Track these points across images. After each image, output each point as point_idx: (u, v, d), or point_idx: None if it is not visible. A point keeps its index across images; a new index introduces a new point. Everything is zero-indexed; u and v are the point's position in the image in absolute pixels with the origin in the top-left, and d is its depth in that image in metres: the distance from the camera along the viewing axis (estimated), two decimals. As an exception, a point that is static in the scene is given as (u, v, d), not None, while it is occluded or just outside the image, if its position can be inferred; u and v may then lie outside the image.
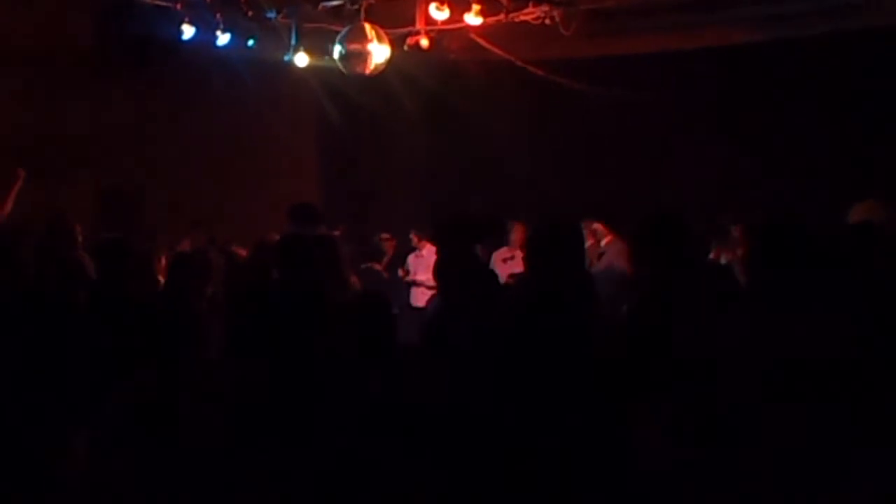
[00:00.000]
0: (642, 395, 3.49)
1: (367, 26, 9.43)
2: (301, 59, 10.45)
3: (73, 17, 10.14)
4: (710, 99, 10.31)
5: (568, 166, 11.34)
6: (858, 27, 8.75)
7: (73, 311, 4.74)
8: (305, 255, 5.30)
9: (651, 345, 3.68)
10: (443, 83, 11.34)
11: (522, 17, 9.52)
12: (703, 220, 8.38)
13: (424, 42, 9.99)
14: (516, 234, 9.44)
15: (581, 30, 9.61)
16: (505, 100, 11.07)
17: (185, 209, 10.46)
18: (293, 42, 10.38)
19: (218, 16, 10.06)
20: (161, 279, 6.89)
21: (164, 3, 9.70)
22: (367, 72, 9.58)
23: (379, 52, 9.47)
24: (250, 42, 10.43)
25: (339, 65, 9.65)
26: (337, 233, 10.21)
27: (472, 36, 10.07)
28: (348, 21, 9.65)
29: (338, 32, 9.67)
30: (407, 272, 10.88)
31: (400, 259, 11.20)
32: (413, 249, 10.94)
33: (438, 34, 10.10)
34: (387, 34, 9.60)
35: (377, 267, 11.52)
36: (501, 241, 9.65)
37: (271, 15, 10.05)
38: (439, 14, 9.35)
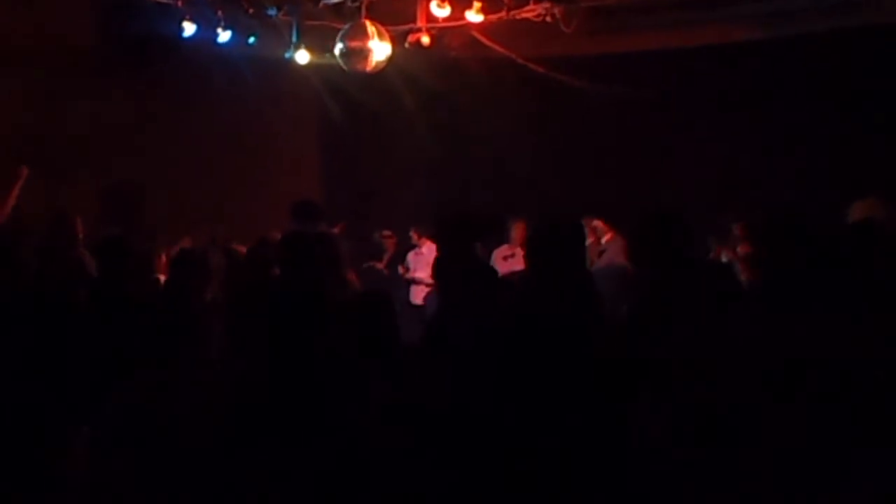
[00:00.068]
0: (642, 395, 3.49)
1: (368, 24, 9.43)
2: (302, 57, 10.45)
3: (73, 17, 10.13)
4: (710, 96, 10.29)
5: (569, 163, 11.34)
6: (860, 25, 8.74)
7: (74, 311, 4.74)
8: (307, 252, 5.29)
9: (651, 344, 3.68)
10: (444, 80, 11.32)
11: (523, 15, 9.51)
12: (703, 218, 8.40)
13: (425, 39, 9.98)
14: (517, 231, 9.45)
15: (582, 27, 9.60)
16: (506, 97, 11.06)
17: (186, 207, 10.46)
18: (294, 39, 10.38)
19: (219, 13, 10.06)
20: (161, 277, 6.89)
21: (164, 1, 9.69)
22: (368, 69, 9.58)
23: (380, 50, 9.47)
24: (251, 39, 10.43)
25: (340, 62, 9.65)
26: (337, 230, 10.22)
27: (474, 33, 10.06)
28: (349, 18, 9.66)
29: (339, 30, 9.67)
30: (407, 269, 10.89)
31: (400, 257, 11.21)
32: (413, 247, 10.94)
33: (439, 31, 10.09)
34: (388, 31, 9.60)
35: (379, 266, 11.51)
36: (502, 238, 9.65)
37: (272, 12, 10.04)
38: (440, 11, 9.35)
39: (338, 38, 9.54)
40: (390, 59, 9.64)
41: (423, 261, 10.14)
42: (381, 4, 9.58)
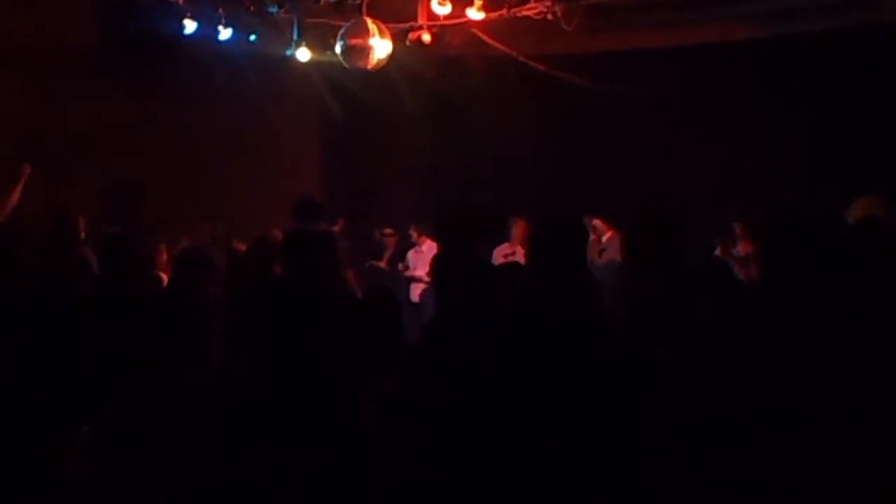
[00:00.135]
0: (642, 394, 3.49)
1: (369, 21, 9.43)
2: (303, 54, 10.45)
3: (73, 16, 10.13)
4: (711, 95, 10.29)
5: (569, 161, 11.32)
6: (860, 24, 8.73)
7: (74, 311, 4.74)
8: (309, 251, 5.30)
9: (651, 344, 3.68)
10: (445, 78, 11.31)
11: (524, 12, 9.50)
12: (703, 218, 8.40)
13: (426, 37, 9.97)
14: (517, 230, 9.44)
15: (583, 25, 9.59)
16: (507, 95, 11.06)
17: (186, 206, 10.46)
18: (295, 37, 10.37)
19: (220, 11, 10.06)
20: (162, 275, 6.90)
21: (165, -1, 9.71)
22: (369, 67, 9.58)
23: (381, 47, 9.46)
24: (252, 37, 10.43)
25: (341, 60, 9.64)
26: (336, 228, 10.22)
27: (474, 31, 10.04)
28: (350, 16, 9.65)
29: (340, 27, 9.66)
30: (406, 267, 10.89)
31: (401, 255, 11.22)
32: (413, 245, 10.94)
33: (440, 29, 10.08)
34: (389, 29, 9.59)
35: (380, 264, 11.52)
36: (502, 237, 9.65)
37: (273, 10, 10.04)
38: (441, 9, 9.35)
39: (339, 36, 9.54)
40: (391, 57, 9.64)
41: (422, 259, 10.14)
42: (382, 2, 9.58)
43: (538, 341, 3.62)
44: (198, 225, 9.43)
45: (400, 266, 11.05)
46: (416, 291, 10.51)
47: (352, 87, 11.45)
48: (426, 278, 9.41)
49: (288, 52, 10.50)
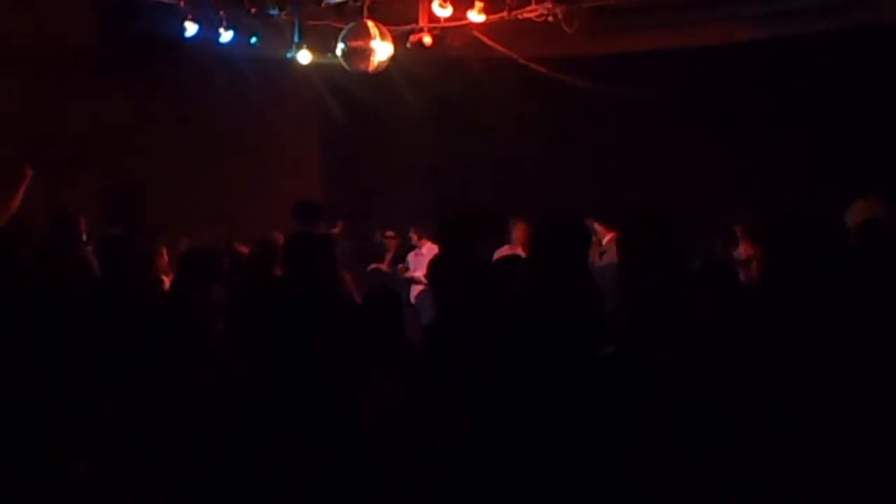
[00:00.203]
0: (642, 395, 3.49)
1: (370, 23, 9.42)
2: (304, 57, 10.44)
3: (73, 17, 10.13)
4: (711, 96, 10.30)
5: (570, 163, 11.33)
6: (860, 24, 8.73)
7: (74, 311, 4.74)
8: (310, 254, 5.31)
9: (651, 344, 3.68)
10: (445, 80, 11.31)
11: (525, 15, 9.49)
12: (703, 219, 8.40)
13: (427, 39, 9.98)
14: (518, 232, 9.42)
15: (584, 27, 9.58)
16: (507, 97, 11.06)
17: (187, 207, 10.47)
18: (296, 39, 10.37)
19: (221, 13, 10.04)
20: (162, 276, 6.90)
21: (167, 1, 9.69)
22: (370, 69, 9.57)
23: (382, 50, 9.46)
24: (253, 39, 10.41)
25: (342, 62, 9.64)
26: (336, 230, 10.22)
27: (475, 33, 10.04)
28: (351, 18, 9.64)
29: (341, 30, 9.65)
30: (406, 269, 10.89)
31: (402, 257, 11.22)
32: (413, 248, 10.95)
33: (441, 31, 10.08)
34: (390, 31, 9.59)
35: (383, 267, 11.52)
36: (503, 239, 9.64)
37: (274, 12, 10.03)
38: (442, 11, 9.34)
39: (340, 38, 9.53)
40: (392, 59, 9.63)
41: (422, 261, 10.13)
42: (383, 4, 9.57)
43: (538, 342, 3.62)
44: (199, 227, 9.43)
45: (400, 267, 11.05)
46: (415, 293, 10.51)
47: (353, 89, 11.43)
48: (425, 280, 9.40)
49: (289, 55, 10.49)
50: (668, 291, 3.90)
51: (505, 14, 9.52)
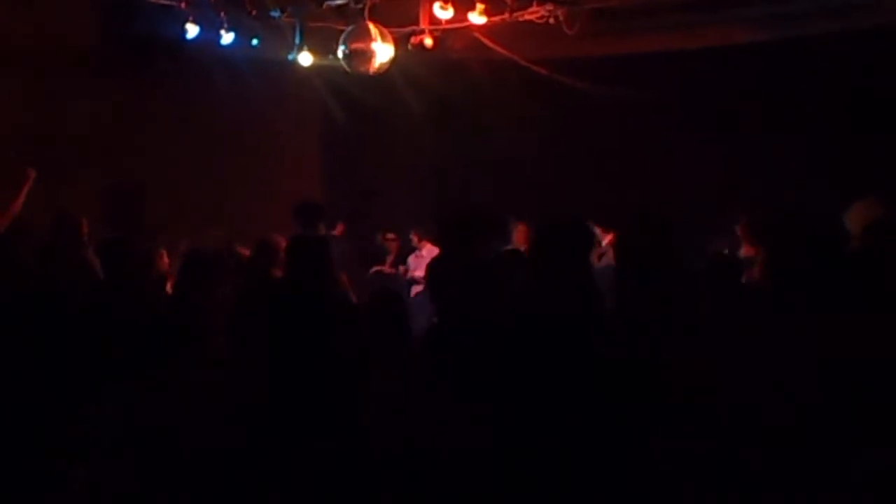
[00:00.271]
0: (642, 395, 3.49)
1: (371, 25, 9.42)
2: (305, 59, 10.44)
3: (73, 17, 10.14)
4: (712, 98, 10.31)
5: (571, 165, 11.34)
6: (861, 26, 8.74)
7: (74, 311, 4.74)
8: (311, 255, 5.33)
9: (651, 344, 3.68)
10: (446, 82, 11.32)
11: (526, 17, 9.50)
12: (704, 219, 8.41)
13: (428, 41, 9.99)
14: (518, 234, 9.43)
15: (585, 29, 9.58)
16: (508, 99, 11.07)
17: (187, 208, 10.48)
18: (297, 41, 10.36)
19: (222, 15, 10.04)
20: (163, 276, 6.91)
21: (168, 2, 9.69)
22: (371, 71, 9.57)
23: (383, 52, 9.46)
24: (254, 41, 10.42)
25: (343, 64, 9.64)
26: (336, 231, 10.23)
27: (476, 35, 10.04)
28: (352, 20, 9.63)
29: (342, 32, 9.65)
30: (407, 271, 10.90)
31: (402, 259, 11.24)
32: (414, 249, 10.96)
33: (442, 33, 10.09)
34: (391, 33, 9.59)
35: (386, 269, 11.53)
36: (504, 241, 9.63)
37: (275, 14, 10.03)
38: (443, 13, 9.35)
39: (341, 40, 9.53)
40: (393, 61, 9.63)
41: (422, 263, 10.12)
42: (384, 6, 9.56)
43: (538, 342, 3.62)
44: (200, 228, 9.43)
45: (400, 268, 11.07)
46: (414, 292, 10.52)
47: (354, 91, 11.44)
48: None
49: (290, 57, 10.49)
50: (662, 292, 3.90)
51: (506, 16, 9.53)
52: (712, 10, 9.42)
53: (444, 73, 11.15)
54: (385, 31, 9.50)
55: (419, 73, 10.92)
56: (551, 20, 9.45)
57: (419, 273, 10.30)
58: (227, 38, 10.12)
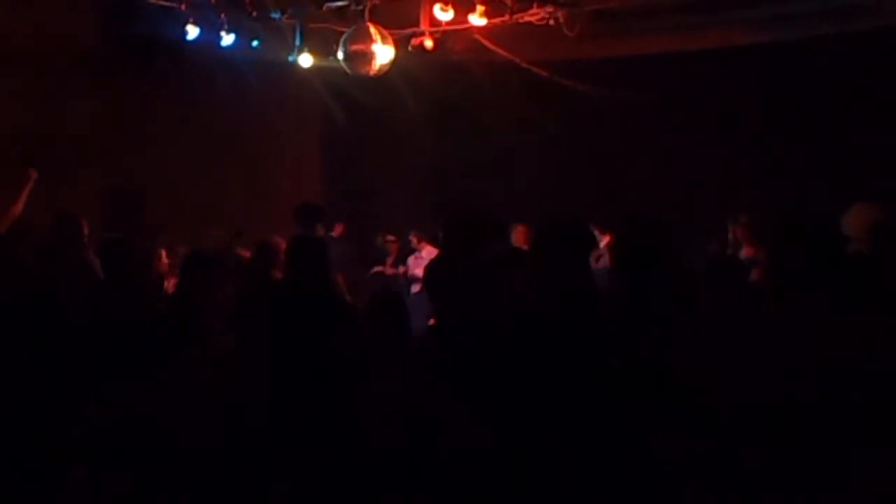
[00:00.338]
0: (642, 395, 3.49)
1: (372, 27, 9.41)
2: (305, 60, 10.45)
3: (73, 17, 10.16)
4: (712, 99, 10.32)
5: (571, 166, 11.35)
6: (861, 28, 8.75)
7: (74, 312, 4.74)
8: (311, 257, 5.33)
9: (651, 344, 3.68)
10: (447, 84, 11.32)
11: (527, 18, 9.50)
12: (705, 220, 8.41)
13: (429, 43, 9.98)
14: (518, 235, 9.43)
15: (585, 31, 9.58)
16: (509, 101, 11.07)
17: (187, 208, 10.49)
18: (297, 42, 10.36)
19: (222, 16, 10.05)
20: (163, 277, 6.91)
21: (168, 4, 9.69)
22: (372, 72, 9.57)
23: (383, 53, 9.45)
24: (255, 42, 10.42)
25: (344, 65, 9.63)
26: (336, 232, 10.23)
27: (477, 37, 10.04)
28: (352, 22, 9.63)
29: (342, 33, 9.65)
30: (406, 271, 10.91)
31: (401, 260, 11.25)
32: (413, 251, 10.97)
33: (442, 35, 10.08)
34: (391, 35, 9.58)
35: (386, 270, 11.54)
36: (502, 242, 9.63)
37: (276, 15, 10.03)
38: (443, 15, 9.34)
39: (341, 42, 9.53)
40: (393, 63, 9.63)
41: (422, 264, 10.13)
42: (384, 8, 9.56)
43: (538, 342, 3.62)
44: (200, 229, 9.43)
45: (400, 269, 11.08)
46: (414, 291, 10.54)
47: (354, 92, 11.44)
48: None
49: (290, 58, 10.49)
50: (658, 293, 3.89)
51: (506, 18, 9.52)
52: (712, 12, 9.43)
53: (445, 74, 11.15)
54: (385, 32, 9.50)
55: (419, 75, 10.92)
56: (551, 22, 9.45)
57: (418, 272, 10.31)
58: (227, 39, 10.12)
